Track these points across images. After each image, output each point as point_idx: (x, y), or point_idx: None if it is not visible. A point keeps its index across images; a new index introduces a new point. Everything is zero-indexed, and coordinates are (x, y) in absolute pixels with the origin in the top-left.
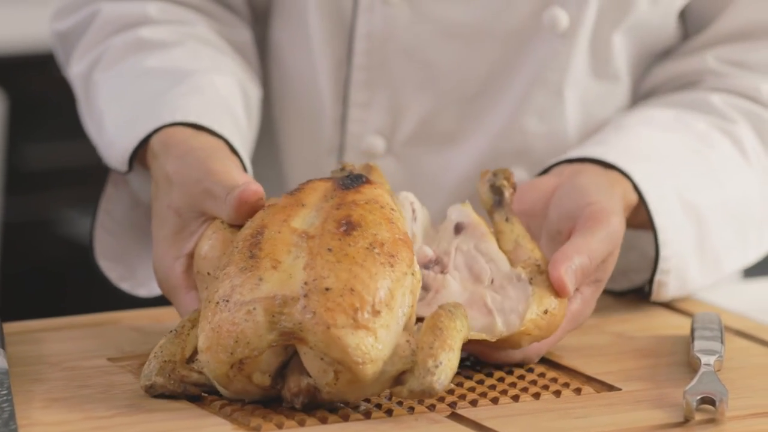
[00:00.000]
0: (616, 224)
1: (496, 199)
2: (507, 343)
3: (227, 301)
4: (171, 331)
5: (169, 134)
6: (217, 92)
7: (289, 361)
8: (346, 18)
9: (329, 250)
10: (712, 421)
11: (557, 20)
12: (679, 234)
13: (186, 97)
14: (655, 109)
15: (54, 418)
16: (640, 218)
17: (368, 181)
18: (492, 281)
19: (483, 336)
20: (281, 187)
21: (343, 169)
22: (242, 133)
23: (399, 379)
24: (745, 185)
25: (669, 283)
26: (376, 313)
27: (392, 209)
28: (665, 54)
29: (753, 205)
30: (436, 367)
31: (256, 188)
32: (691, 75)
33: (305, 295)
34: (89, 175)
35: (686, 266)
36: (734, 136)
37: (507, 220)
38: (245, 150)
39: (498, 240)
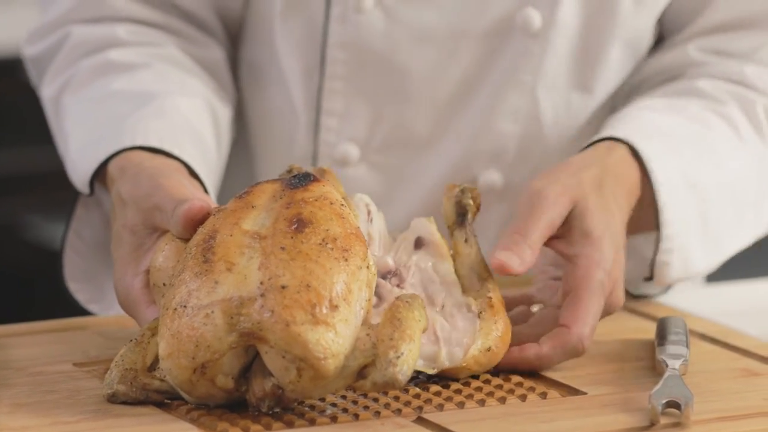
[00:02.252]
0: (537, 187)
1: (459, 218)
2: (446, 373)
3: (185, 306)
4: (131, 340)
5: (127, 158)
6: (182, 115)
7: (251, 363)
8: (316, 28)
9: (282, 248)
10: (677, 425)
11: (530, 20)
12: (682, 212)
13: (149, 120)
14: (647, 99)
15: (20, 423)
16: (646, 195)
17: (316, 179)
18: (443, 307)
19: (423, 368)
20: None
21: (290, 171)
22: (207, 155)
23: (361, 372)
24: (742, 165)
25: (672, 264)
26: (334, 307)
27: (342, 205)
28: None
29: (749, 185)
30: (398, 357)
31: (202, 204)
32: (675, 68)
33: (262, 295)
34: (55, 180)
35: (689, 246)
36: (727, 117)
37: (466, 241)
38: (209, 172)
39: (454, 261)
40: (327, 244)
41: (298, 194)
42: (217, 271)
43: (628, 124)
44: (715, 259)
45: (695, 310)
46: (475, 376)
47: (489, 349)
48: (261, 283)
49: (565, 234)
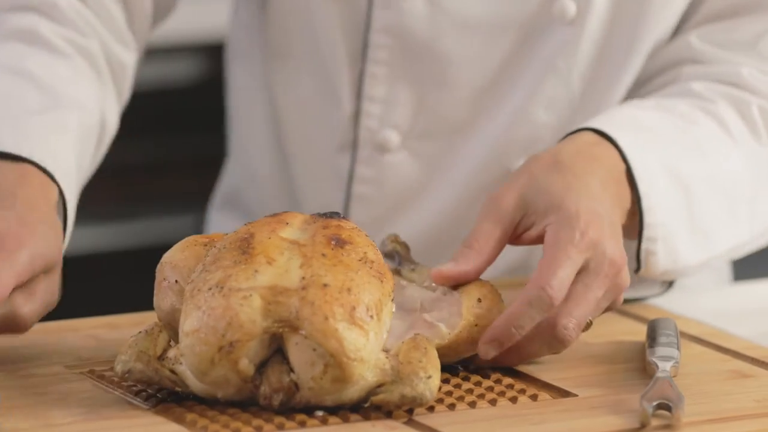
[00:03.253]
0: (491, 197)
1: (395, 261)
2: (461, 345)
3: (221, 287)
4: (140, 332)
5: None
6: (75, 137)
7: (268, 360)
8: (359, 13)
9: (323, 255)
10: (668, 427)
11: (566, 10)
12: (665, 201)
13: (49, 134)
14: (637, 99)
15: (12, 425)
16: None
17: (347, 219)
18: (423, 306)
19: (435, 342)
20: (291, 189)
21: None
22: (79, 175)
23: (373, 391)
24: (732, 161)
25: (658, 253)
26: (370, 316)
27: (372, 243)
28: None
29: (741, 180)
30: (429, 378)
31: None
32: (675, 58)
33: (303, 288)
34: None
35: (675, 236)
36: (717, 116)
37: (413, 270)
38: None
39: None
40: (366, 262)
41: (333, 222)
42: (257, 262)
43: (605, 117)
44: (707, 253)
45: (686, 312)
46: (466, 378)
47: (480, 300)
48: (302, 278)
49: (531, 223)
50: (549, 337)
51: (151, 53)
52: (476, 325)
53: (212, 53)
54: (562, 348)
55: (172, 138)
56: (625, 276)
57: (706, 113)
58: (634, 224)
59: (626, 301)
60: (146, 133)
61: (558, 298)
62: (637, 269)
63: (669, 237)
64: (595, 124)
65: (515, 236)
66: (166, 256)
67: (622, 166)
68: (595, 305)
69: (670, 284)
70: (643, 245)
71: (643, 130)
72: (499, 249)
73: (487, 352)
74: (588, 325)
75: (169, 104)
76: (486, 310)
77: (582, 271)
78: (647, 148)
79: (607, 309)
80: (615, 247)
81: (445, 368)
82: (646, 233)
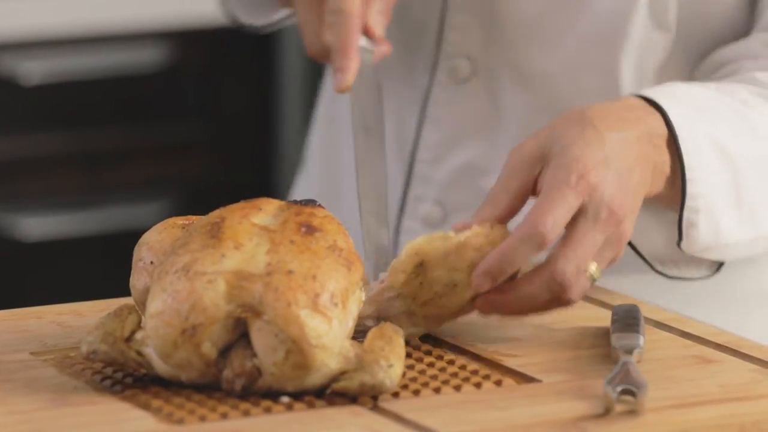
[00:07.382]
0: (512, 150)
1: None
2: (465, 256)
3: (187, 271)
4: (108, 314)
5: None
6: None
7: (233, 345)
8: None
9: (292, 242)
10: (632, 412)
11: None
12: (710, 175)
13: None
14: (698, 82)
15: None
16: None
17: (321, 206)
18: None
19: (441, 234)
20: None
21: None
22: None
23: (336, 378)
24: None
25: (699, 224)
26: (334, 304)
27: (344, 231)
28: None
29: None
30: (390, 367)
31: None
32: (732, 55)
33: (268, 274)
34: (8, 171)
35: (718, 209)
36: None
37: None
38: None
39: None
40: (335, 250)
41: (307, 209)
42: (224, 246)
43: (660, 88)
44: (752, 231)
45: (650, 299)
46: (431, 365)
47: (492, 227)
48: (268, 264)
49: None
50: (549, 281)
51: (116, 40)
52: (479, 250)
53: (177, 39)
54: (564, 296)
55: (137, 125)
56: (628, 227)
57: (767, 100)
58: (676, 193)
59: (670, 277)
60: (111, 121)
61: (550, 236)
62: (679, 242)
63: (712, 210)
64: (646, 92)
65: (536, 189)
66: (144, 237)
67: (663, 132)
68: (593, 251)
69: (718, 267)
70: (685, 215)
71: (697, 106)
72: (517, 200)
73: (480, 284)
74: (593, 280)
75: (134, 91)
76: (493, 239)
77: (579, 215)
78: (697, 121)
79: (610, 262)
80: (616, 195)
81: (409, 354)
82: (688, 203)
